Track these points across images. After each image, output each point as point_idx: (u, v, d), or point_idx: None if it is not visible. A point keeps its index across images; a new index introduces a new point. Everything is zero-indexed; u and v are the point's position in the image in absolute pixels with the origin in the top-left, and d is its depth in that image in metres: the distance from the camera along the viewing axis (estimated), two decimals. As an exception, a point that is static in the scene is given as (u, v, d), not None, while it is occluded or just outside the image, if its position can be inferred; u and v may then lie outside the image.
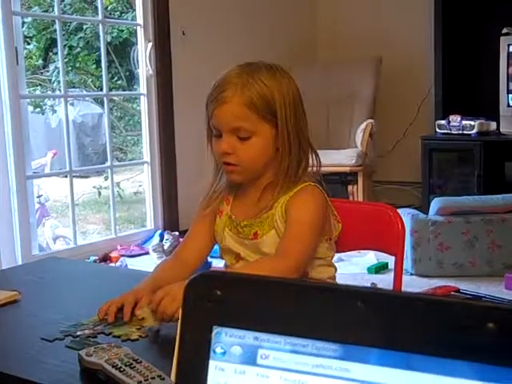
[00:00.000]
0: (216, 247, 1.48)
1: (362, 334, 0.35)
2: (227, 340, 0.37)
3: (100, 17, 3.92)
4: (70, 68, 6.73)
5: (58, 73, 4.85)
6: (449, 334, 0.34)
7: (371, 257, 3.43)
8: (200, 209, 1.45)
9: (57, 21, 3.72)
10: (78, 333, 1.12)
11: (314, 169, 1.38)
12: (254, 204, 1.38)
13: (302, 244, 1.30)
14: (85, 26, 6.73)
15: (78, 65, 7.02)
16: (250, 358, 0.36)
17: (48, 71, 7.02)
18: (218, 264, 2.24)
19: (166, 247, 3.74)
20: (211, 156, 1.39)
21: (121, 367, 0.93)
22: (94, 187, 6.14)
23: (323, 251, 1.39)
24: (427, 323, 0.34)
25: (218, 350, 0.37)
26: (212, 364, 0.37)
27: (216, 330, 0.37)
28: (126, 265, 3.52)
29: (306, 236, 1.31)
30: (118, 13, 6.76)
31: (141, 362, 0.94)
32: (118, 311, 1.18)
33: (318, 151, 1.40)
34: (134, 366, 0.93)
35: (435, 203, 3.36)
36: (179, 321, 0.38)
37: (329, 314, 0.36)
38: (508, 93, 4.13)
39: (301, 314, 0.36)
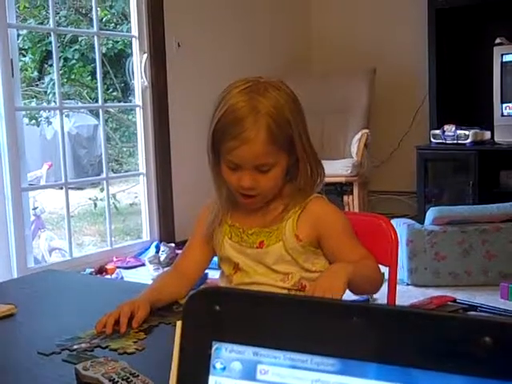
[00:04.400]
0: (215, 258, 1.47)
1: (360, 349, 0.35)
2: (227, 355, 0.37)
3: (95, 29, 3.93)
4: (65, 80, 6.73)
5: (54, 85, 4.85)
6: (445, 348, 0.34)
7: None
8: (199, 221, 1.44)
9: (52, 33, 3.73)
10: (75, 346, 1.11)
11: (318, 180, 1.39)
12: (262, 213, 1.37)
13: (363, 248, 1.36)
14: (80, 38, 6.75)
15: (73, 76, 7.02)
16: (249, 374, 0.36)
17: (43, 83, 7.03)
18: (214, 275, 2.23)
19: (162, 259, 3.73)
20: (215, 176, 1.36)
21: (118, 381, 0.92)
22: (89, 199, 6.12)
23: (322, 264, 1.38)
24: (424, 337, 0.34)
25: (218, 365, 0.37)
26: (212, 379, 0.37)
27: (216, 345, 0.37)
28: (122, 277, 3.51)
29: (358, 241, 1.36)
30: (112, 24, 6.78)
31: (138, 375, 0.94)
32: (115, 323, 1.18)
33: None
34: (131, 380, 0.93)
35: (431, 213, 3.37)
36: (178, 336, 0.38)
37: (326, 329, 0.36)
38: (502, 102, 4.16)
39: (299, 329, 0.36)
